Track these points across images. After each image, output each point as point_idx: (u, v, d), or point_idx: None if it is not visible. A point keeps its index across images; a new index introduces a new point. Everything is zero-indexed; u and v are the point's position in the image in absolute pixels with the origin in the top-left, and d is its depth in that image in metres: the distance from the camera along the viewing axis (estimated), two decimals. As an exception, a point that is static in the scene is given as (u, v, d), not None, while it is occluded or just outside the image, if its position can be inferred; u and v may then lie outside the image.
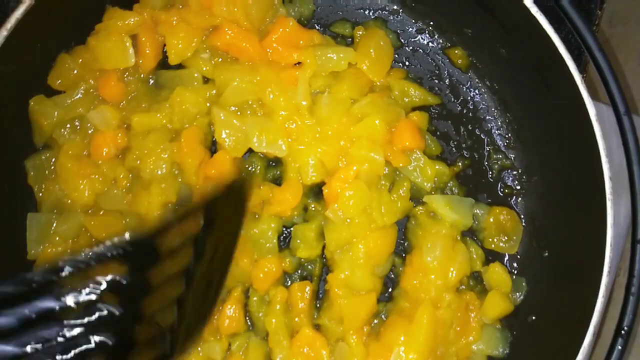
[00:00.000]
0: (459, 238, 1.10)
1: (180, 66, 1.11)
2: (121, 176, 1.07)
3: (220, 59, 1.11)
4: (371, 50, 1.11)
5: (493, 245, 1.12)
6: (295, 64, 1.10)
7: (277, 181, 1.11)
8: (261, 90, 1.08)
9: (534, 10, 0.97)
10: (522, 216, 1.14)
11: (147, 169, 1.06)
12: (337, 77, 1.10)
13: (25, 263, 1.06)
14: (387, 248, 1.08)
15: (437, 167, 1.11)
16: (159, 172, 1.06)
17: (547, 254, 1.10)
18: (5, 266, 1.04)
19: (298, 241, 1.08)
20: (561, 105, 1.02)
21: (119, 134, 1.07)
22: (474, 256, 1.11)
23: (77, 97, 1.08)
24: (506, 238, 1.12)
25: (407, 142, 1.09)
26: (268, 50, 1.09)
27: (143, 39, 1.09)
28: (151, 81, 1.11)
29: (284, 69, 1.09)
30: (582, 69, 1.14)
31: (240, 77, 1.08)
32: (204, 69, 1.10)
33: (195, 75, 1.10)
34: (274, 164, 1.12)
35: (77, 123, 1.08)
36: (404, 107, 1.12)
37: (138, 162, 1.07)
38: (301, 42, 1.10)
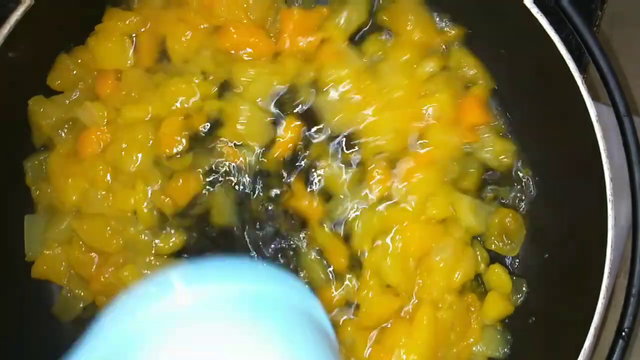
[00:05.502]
0: (469, 242, 1.09)
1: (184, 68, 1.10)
2: (101, 174, 1.04)
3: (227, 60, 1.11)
4: None
5: (493, 246, 1.12)
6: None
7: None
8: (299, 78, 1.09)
9: (535, 11, 0.97)
10: (523, 217, 1.14)
11: (131, 163, 1.04)
12: (390, 45, 1.10)
13: (24, 265, 1.06)
14: (425, 247, 1.06)
15: (505, 143, 1.11)
16: (142, 166, 1.05)
17: (547, 255, 1.10)
18: (5, 267, 1.05)
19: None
20: (561, 106, 1.02)
21: (105, 130, 1.06)
22: (479, 259, 1.10)
23: (75, 97, 1.08)
24: (509, 241, 1.12)
25: (475, 117, 1.09)
26: (288, 46, 1.09)
27: (143, 39, 1.09)
28: (149, 78, 1.10)
29: (318, 49, 1.09)
30: (582, 70, 1.14)
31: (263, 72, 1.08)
32: (204, 67, 1.10)
33: (196, 74, 1.09)
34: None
35: (70, 125, 1.08)
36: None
37: (123, 154, 1.05)
38: (313, 23, 1.10)
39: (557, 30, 0.96)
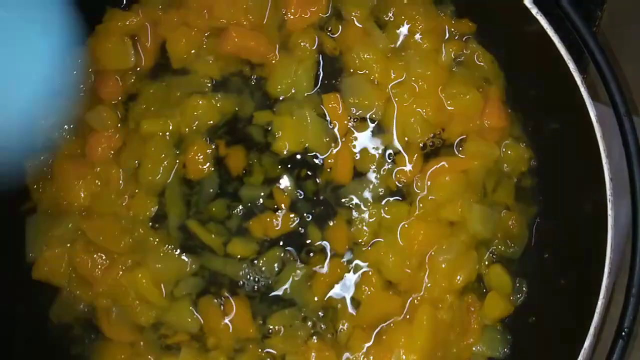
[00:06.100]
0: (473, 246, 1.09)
1: (185, 70, 1.11)
2: (115, 177, 1.06)
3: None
4: None
5: (497, 249, 1.11)
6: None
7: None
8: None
9: (535, 11, 0.97)
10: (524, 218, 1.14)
11: (147, 174, 1.06)
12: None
13: (24, 265, 1.06)
14: (429, 247, 1.07)
15: (521, 149, 1.10)
16: (159, 178, 1.06)
17: (547, 255, 1.10)
18: (5, 268, 1.05)
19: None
20: (561, 106, 1.02)
21: (116, 135, 1.07)
22: (482, 262, 1.10)
23: (76, 97, 1.08)
24: (512, 244, 1.11)
25: (494, 120, 1.09)
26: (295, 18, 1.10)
27: (143, 39, 1.09)
28: (158, 84, 1.11)
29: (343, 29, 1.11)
30: (582, 70, 1.14)
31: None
32: (210, 73, 1.10)
33: (205, 80, 1.10)
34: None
35: (71, 125, 1.08)
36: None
37: (136, 164, 1.07)
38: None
39: (557, 30, 0.96)
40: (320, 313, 1.06)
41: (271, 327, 1.06)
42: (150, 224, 1.07)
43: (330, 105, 1.10)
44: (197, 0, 1.09)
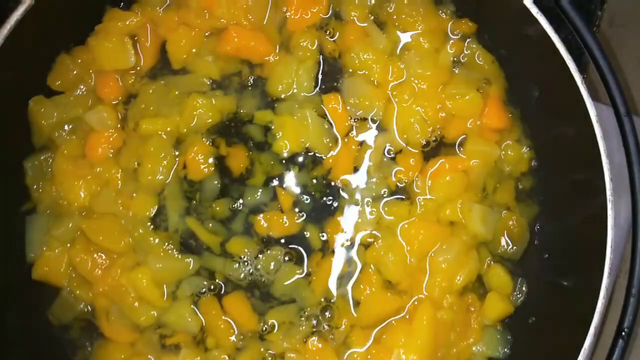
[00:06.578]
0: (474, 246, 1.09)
1: (185, 70, 1.11)
2: (115, 177, 1.06)
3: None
4: None
5: (498, 250, 1.10)
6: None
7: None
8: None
9: (535, 11, 0.97)
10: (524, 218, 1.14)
11: (147, 174, 1.06)
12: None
13: (24, 265, 1.06)
14: (429, 247, 1.07)
15: (521, 150, 1.10)
16: (159, 178, 1.07)
17: (547, 255, 1.10)
18: (5, 268, 1.04)
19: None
20: (561, 106, 1.02)
21: (115, 134, 1.07)
22: (487, 265, 1.09)
23: (76, 97, 1.08)
24: (513, 245, 1.10)
25: (495, 120, 1.09)
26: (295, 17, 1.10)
27: (143, 39, 1.09)
28: (158, 83, 1.11)
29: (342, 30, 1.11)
30: (582, 70, 1.14)
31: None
32: (210, 73, 1.10)
33: (205, 80, 1.10)
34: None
35: (71, 125, 1.08)
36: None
37: (136, 164, 1.07)
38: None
39: (557, 30, 0.96)
40: (319, 312, 1.07)
41: (268, 324, 1.06)
42: (150, 224, 1.07)
43: (330, 106, 1.10)
44: (197, 0, 1.09)
